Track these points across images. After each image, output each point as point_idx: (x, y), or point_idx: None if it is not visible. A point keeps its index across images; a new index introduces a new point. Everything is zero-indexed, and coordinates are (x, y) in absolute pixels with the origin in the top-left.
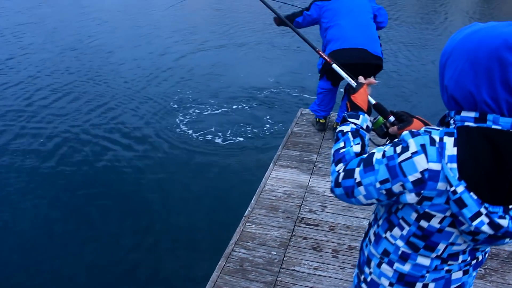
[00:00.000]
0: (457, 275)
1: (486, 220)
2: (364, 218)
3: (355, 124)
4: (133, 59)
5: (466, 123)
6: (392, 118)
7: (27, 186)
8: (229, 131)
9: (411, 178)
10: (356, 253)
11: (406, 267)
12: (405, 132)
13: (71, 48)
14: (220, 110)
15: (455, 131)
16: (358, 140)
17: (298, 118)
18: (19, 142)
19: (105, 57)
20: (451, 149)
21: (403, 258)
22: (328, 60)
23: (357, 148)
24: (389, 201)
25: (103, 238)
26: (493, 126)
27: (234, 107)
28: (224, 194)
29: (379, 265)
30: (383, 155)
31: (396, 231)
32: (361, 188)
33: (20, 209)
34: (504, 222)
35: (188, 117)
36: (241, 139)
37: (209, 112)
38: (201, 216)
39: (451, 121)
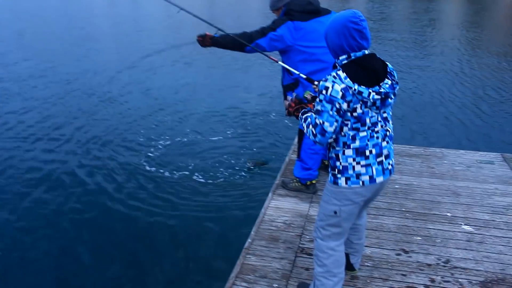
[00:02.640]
0: (384, 144)
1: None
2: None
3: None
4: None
5: (343, 62)
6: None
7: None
8: (210, 162)
9: (338, 96)
10: (358, 282)
11: (357, 143)
12: (321, 83)
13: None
14: (191, 139)
15: (341, 68)
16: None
17: (295, 145)
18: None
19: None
20: (343, 75)
21: (353, 138)
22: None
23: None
24: (341, 118)
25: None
26: (356, 56)
27: (212, 138)
28: (220, 227)
29: (344, 152)
30: (320, 101)
31: (345, 128)
32: (326, 124)
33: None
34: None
35: (156, 152)
36: (229, 170)
37: (181, 143)
38: (199, 251)
39: (337, 65)
